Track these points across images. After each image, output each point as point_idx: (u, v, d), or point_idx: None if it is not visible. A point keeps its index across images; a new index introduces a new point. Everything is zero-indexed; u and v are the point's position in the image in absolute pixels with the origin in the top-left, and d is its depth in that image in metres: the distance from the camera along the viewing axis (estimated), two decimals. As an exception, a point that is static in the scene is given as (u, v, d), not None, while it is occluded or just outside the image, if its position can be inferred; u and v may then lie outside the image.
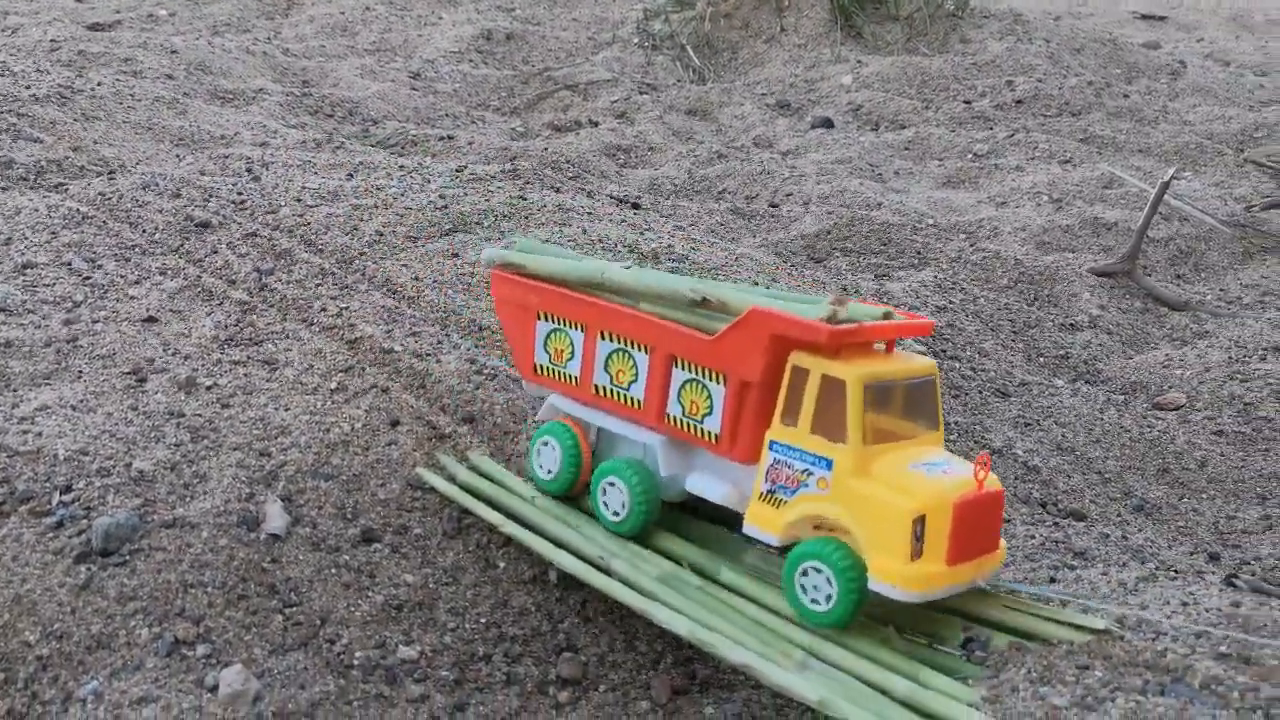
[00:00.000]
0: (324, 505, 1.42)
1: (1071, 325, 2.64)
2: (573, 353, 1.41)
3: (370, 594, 1.36)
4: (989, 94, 4.50)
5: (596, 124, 4.23)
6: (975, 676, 1.19)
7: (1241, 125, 4.25)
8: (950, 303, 2.50)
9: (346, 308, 1.86)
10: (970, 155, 3.92)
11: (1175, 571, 1.50)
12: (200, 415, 1.51)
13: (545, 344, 1.44)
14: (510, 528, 1.42)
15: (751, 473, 1.27)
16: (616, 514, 1.38)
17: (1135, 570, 1.43)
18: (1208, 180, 3.78)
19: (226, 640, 1.24)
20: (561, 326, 1.42)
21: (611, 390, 1.37)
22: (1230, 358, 2.43)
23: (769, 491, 1.23)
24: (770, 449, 1.23)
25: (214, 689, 1.18)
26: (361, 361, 1.71)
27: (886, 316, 1.25)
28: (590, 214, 2.40)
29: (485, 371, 1.73)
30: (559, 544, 1.41)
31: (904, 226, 3.05)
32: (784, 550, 1.24)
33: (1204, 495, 2.02)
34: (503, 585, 1.44)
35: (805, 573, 1.21)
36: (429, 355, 1.75)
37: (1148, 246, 3.11)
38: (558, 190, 2.58)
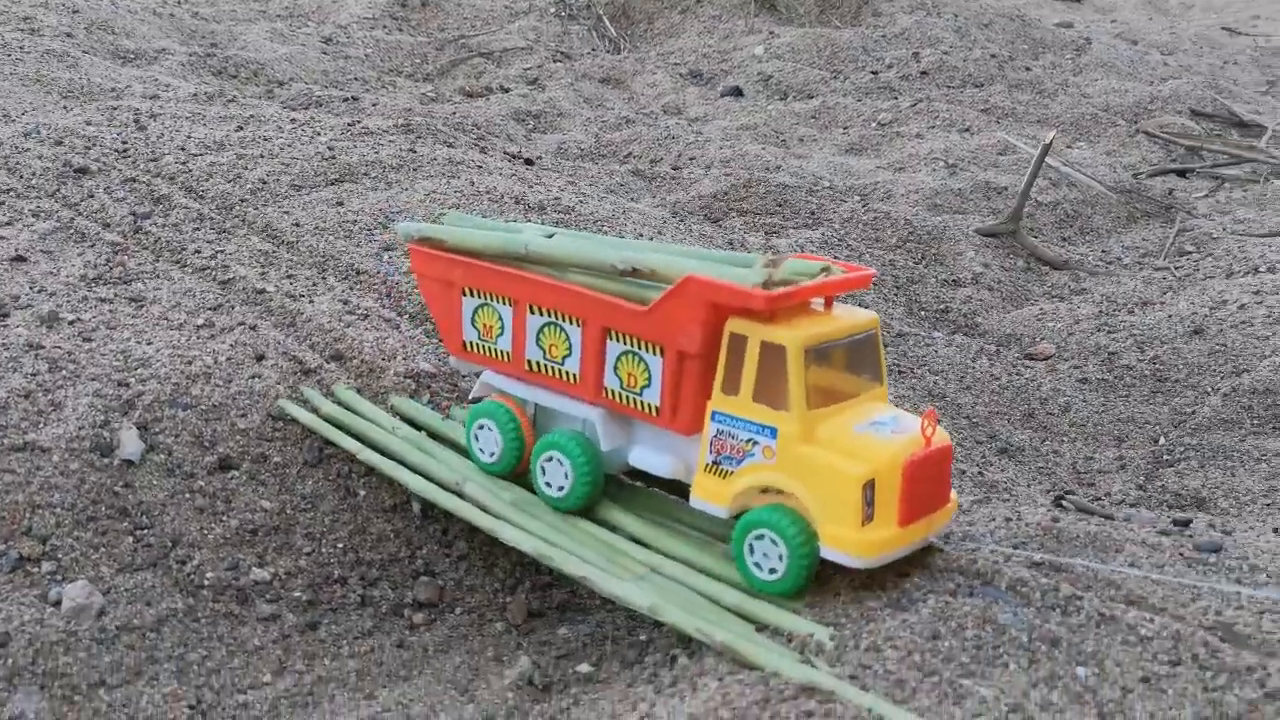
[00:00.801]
0: (181, 434, 1.43)
1: (954, 281, 2.72)
2: (502, 328, 1.36)
3: (225, 519, 1.38)
4: (896, 65, 4.58)
5: (508, 90, 4.24)
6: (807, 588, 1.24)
7: (1137, 98, 4.37)
8: (834, 257, 2.56)
9: (222, 250, 1.87)
10: (874, 124, 3.99)
11: (1009, 494, 1.57)
12: (60, 348, 1.52)
13: (473, 320, 1.39)
14: (367, 454, 1.45)
15: (695, 443, 1.24)
16: (560, 489, 1.34)
17: (971, 495, 1.49)
18: (1100, 149, 3.88)
19: (73, 559, 1.25)
20: (489, 301, 1.37)
21: (546, 365, 1.33)
22: (1100, 311, 2.52)
23: (714, 463, 1.21)
24: (712, 419, 1.21)
25: (57, 603, 1.19)
26: (232, 300, 1.72)
27: (824, 271, 1.22)
28: (480, 168, 2.43)
29: (358, 311, 1.75)
30: (417, 471, 1.44)
31: (800, 189, 3.10)
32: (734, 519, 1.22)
33: (1065, 438, 2.10)
34: (362, 513, 1.47)
35: (756, 539, 1.18)
36: (302, 296, 1.77)
37: (1037, 210, 3.20)
38: (450, 145, 2.60)
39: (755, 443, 1.18)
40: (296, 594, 1.36)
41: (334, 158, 2.30)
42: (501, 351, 1.37)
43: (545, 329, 1.32)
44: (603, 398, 1.30)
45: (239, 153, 2.28)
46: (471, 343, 1.40)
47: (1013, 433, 2.09)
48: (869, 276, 1.25)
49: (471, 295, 1.38)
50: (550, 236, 1.38)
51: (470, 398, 1.46)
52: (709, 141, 3.62)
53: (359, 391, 1.59)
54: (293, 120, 2.59)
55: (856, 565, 1.15)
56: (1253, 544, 1.37)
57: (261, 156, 2.27)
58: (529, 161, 2.63)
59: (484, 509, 1.37)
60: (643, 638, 1.37)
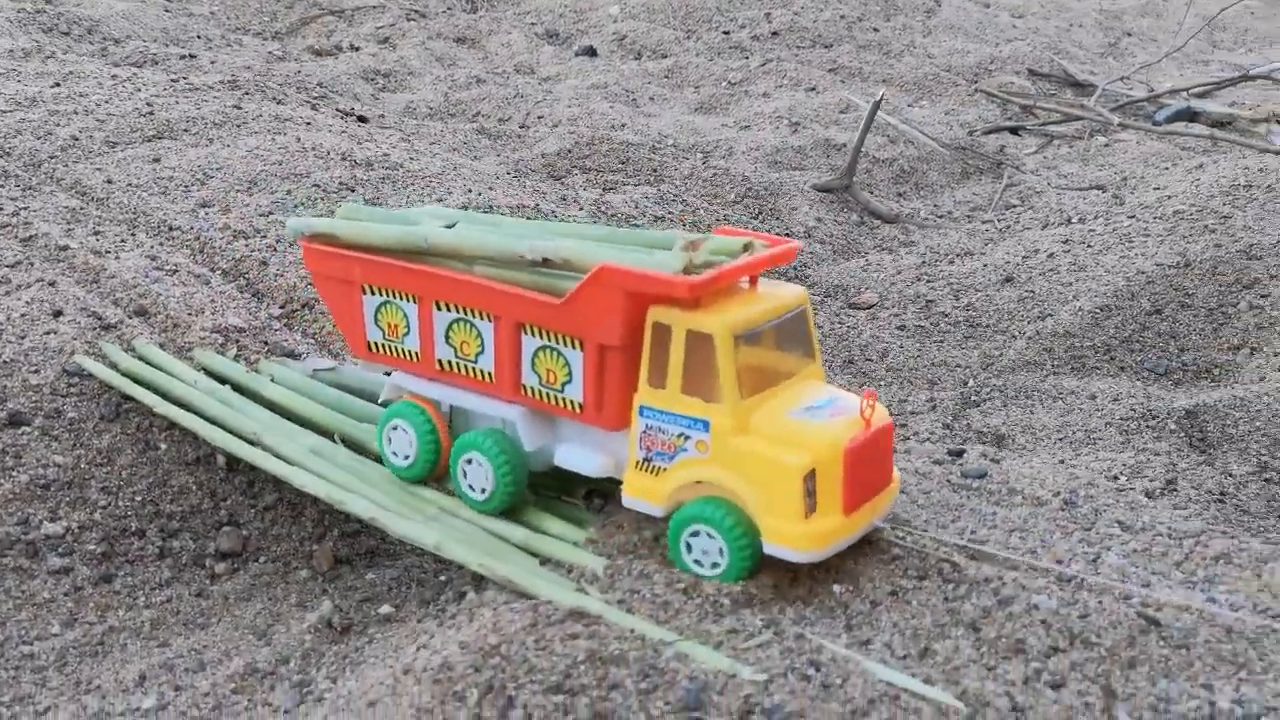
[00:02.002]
0: (-32, 390, 1.41)
1: (788, 235, 2.79)
2: (408, 327, 1.28)
3: (14, 474, 1.37)
4: (748, 25, 4.64)
5: (358, 49, 4.18)
6: (591, 522, 1.29)
7: (979, 59, 4.51)
8: (669, 213, 2.61)
9: (25, 207, 1.83)
10: (724, 83, 4.05)
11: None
12: None
13: (376, 319, 1.31)
14: (165, 407, 1.45)
15: (624, 439, 1.18)
16: (481, 491, 1.27)
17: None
18: (940, 108, 4.01)
19: None
20: (392, 299, 1.28)
21: (458, 364, 1.26)
22: (922, 262, 2.62)
23: (645, 460, 1.15)
24: (641, 415, 1.14)
25: None
26: (32, 257, 1.69)
27: (747, 248, 1.16)
28: (309, 124, 2.40)
29: (166, 267, 1.73)
30: (215, 423, 1.45)
31: (643, 146, 3.14)
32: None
33: (882, 383, 2.19)
34: (163, 466, 1.47)
35: (692, 536, 1.13)
36: (108, 253, 1.74)
37: (874, 166, 3.29)
38: (280, 103, 2.56)
39: (687, 437, 1.12)
40: (91, 547, 1.35)
41: (153, 114, 2.26)
42: (409, 351, 1.30)
43: (455, 326, 1.24)
44: (522, 395, 1.23)
45: (51, 109, 2.22)
46: (376, 343, 1.32)
47: (832, 378, 2.17)
48: (794, 250, 1.20)
49: (373, 293, 1.30)
50: (451, 226, 1.29)
51: (380, 400, 1.40)
52: (558, 101, 3.63)
53: (162, 346, 1.58)
54: (114, 77, 2.53)
55: (802, 560, 1.09)
56: (1016, 470, 1.46)
57: (75, 113, 2.21)
58: (362, 119, 2.61)
59: (281, 457, 1.39)
60: (443, 579, 1.40)
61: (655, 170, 3.03)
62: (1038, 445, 1.89)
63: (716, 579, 1.12)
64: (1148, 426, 1.88)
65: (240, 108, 2.38)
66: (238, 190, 2.03)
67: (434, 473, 1.32)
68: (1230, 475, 1.71)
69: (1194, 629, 1.07)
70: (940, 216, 3.10)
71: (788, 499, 1.08)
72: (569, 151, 3.06)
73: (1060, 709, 0.97)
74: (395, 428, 1.32)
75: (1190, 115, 3.89)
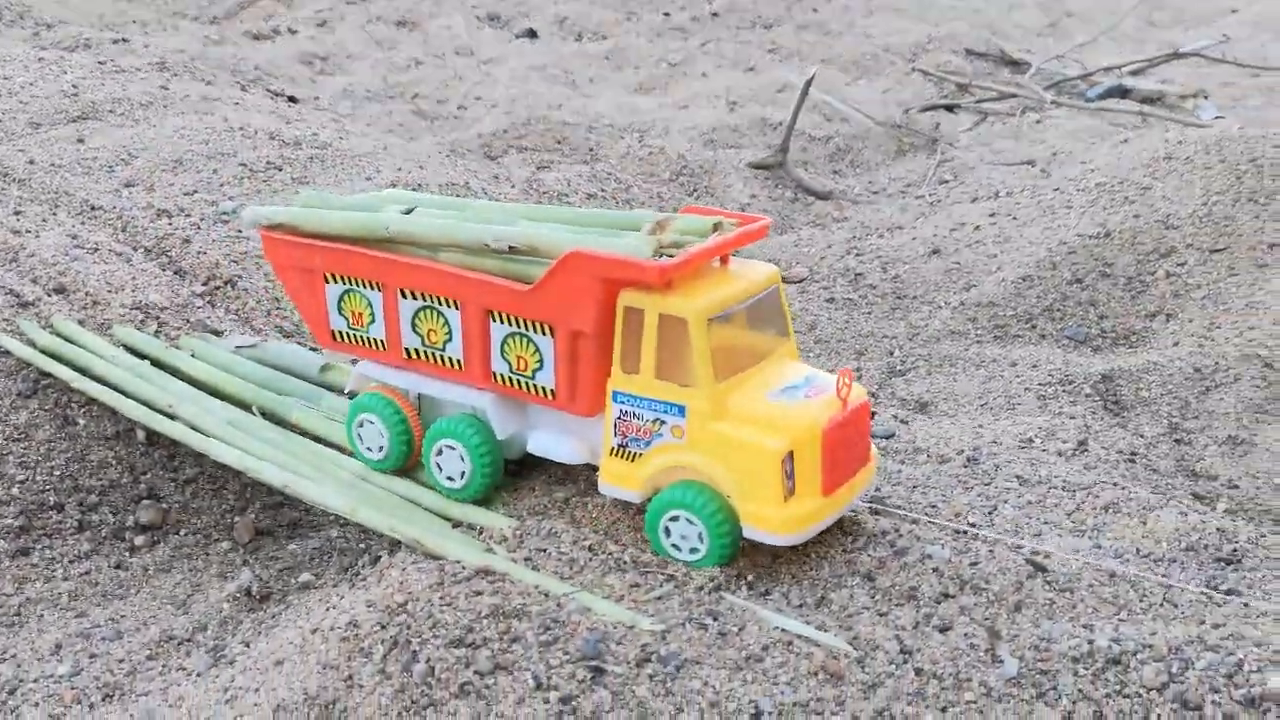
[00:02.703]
0: (-121, 368, 1.41)
1: (721, 212, 2.82)
2: (373, 315, 1.25)
3: (-73, 451, 1.37)
4: (688, 7, 4.66)
5: (295, 32, 4.16)
6: (505, 487, 1.31)
7: (916, 39, 4.56)
8: (602, 190, 2.63)
9: (-56, 188, 1.82)
10: (664, 64, 4.07)
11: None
12: None
13: (339, 308, 1.28)
14: (82, 383, 1.45)
15: (598, 425, 1.17)
16: (454, 479, 1.25)
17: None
18: (878, 87, 4.05)
19: None
20: (355, 287, 1.25)
21: (425, 352, 1.24)
22: (853, 236, 2.66)
23: (620, 446, 1.13)
24: (614, 400, 1.13)
25: None
26: (-51, 237, 1.68)
27: (717, 227, 1.14)
28: (238, 104, 2.40)
29: (87, 245, 1.73)
30: (133, 397, 1.45)
31: (580, 126, 3.16)
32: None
33: (810, 354, 2.23)
34: (81, 441, 1.47)
35: (671, 521, 1.11)
36: (28, 232, 1.74)
37: (811, 144, 3.33)
38: (208, 84, 2.56)
39: (663, 422, 1.10)
40: (8, 521, 1.36)
41: (78, 95, 2.25)
42: (375, 340, 1.27)
43: (421, 314, 1.22)
44: (492, 383, 1.21)
45: (-26, 91, 2.20)
46: (341, 332, 1.29)
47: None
48: (765, 227, 1.18)
49: (335, 281, 1.27)
50: (410, 211, 1.26)
51: (346, 390, 1.37)
52: (497, 82, 3.64)
53: (81, 323, 1.58)
54: (40, 60, 2.51)
55: (782, 543, 1.09)
56: (924, 431, 1.50)
57: (-1, 94, 2.20)
58: (292, 99, 2.61)
59: (198, 429, 1.40)
60: (363, 547, 1.42)
61: (591, 149, 3.05)
62: (959, 411, 1.93)
63: (696, 564, 1.11)
64: (1065, 391, 1.92)
65: (168, 89, 2.38)
66: (162, 170, 2.03)
67: (407, 463, 1.30)
68: (1141, 436, 1.76)
69: (1079, 574, 1.11)
70: (874, 193, 3.14)
71: (767, 483, 1.06)
72: (505, 132, 3.07)
73: (947, 649, 1.00)
74: (363, 422, 1.29)
75: (1122, 92, 3.96)
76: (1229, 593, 1.10)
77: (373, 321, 1.26)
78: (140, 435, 1.51)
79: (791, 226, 2.84)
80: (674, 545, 1.12)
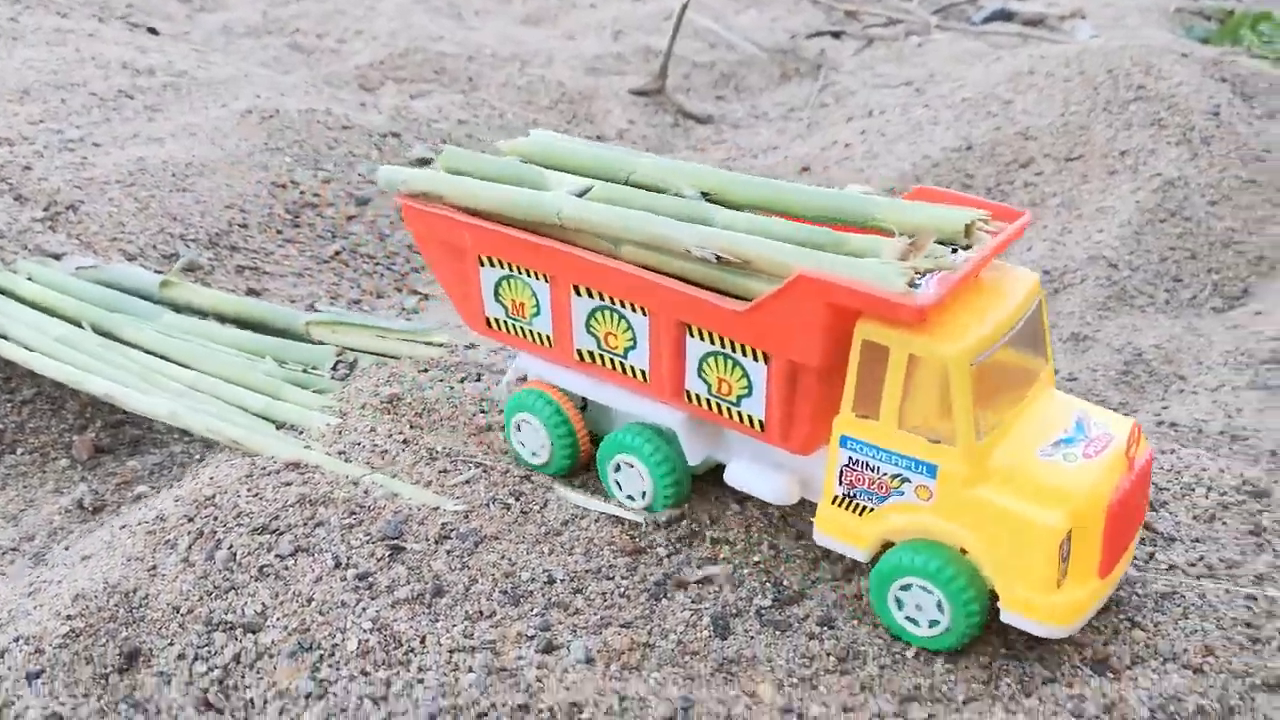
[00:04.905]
0: None
1: (599, 137, 2.82)
2: (538, 307, 1.08)
3: None
4: (580, -61, 4.62)
5: (175, -30, 4.06)
6: (333, 390, 1.33)
7: (808, -33, 4.57)
8: (474, 116, 2.62)
9: None
10: (553, -4, 4.04)
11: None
12: None
13: (496, 294, 1.10)
14: (-96, 304, 1.44)
15: (812, 462, 1.01)
16: (633, 498, 1.09)
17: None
18: (768, 15, 4.06)
19: None
20: (516, 275, 1.08)
21: (602, 356, 1.06)
22: (727, 157, 2.69)
23: (846, 496, 0.95)
24: (843, 446, 0.94)
25: None
26: None
27: (968, 230, 0.92)
28: (93, 35, 2.35)
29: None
30: (-40, 317, 1.44)
31: (460, 56, 3.14)
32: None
33: (678, 271, 2.26)
34: (-90, 364, 1.45)
35: (903, 589, 0.93)
36: None
37: (694, 71, 3.34)
38: (63, 16, 2.50)
39: (905, 480, 0.92)
40: None
41: (-83, 26, 2.19)
42: (539, 334, 1.10)
43: (598, 314, 1.04)
44: (684, 402, 1.03)
45: None
46: (498, 320, 1.12)
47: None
48: (1025, 225, 0.97)
49: (492, 265, 1.09)
50: (585, 192, 1.05)
51: (506, 381, 1.22)
52: (380, 16, 3.59)
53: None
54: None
55: (1050, 635, 0.90)
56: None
57: None
58: (153, 30, 2.56)
59: (27, 346, 1.39)
60: (199, 459, 1.42)
61: (470, 79, 3.03)
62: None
63: (934, 645, 0.93)
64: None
65: (16, 20, 2.32)
66: (8, 100, 1.99)
67: (573, 468, 1.15)
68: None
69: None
70: (756, 118, 3.16)
71: (1038, 566, 0.88)
72: (381, 63, 3.04)
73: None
74: (521, 424, 1.14)
75: (1006, 15, 4.02)
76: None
77: (537, 314, 1.08)
78: (-27, 360, 1.49)
79: (670, 150, 2.86)
80: (908, 618, 0.94)
